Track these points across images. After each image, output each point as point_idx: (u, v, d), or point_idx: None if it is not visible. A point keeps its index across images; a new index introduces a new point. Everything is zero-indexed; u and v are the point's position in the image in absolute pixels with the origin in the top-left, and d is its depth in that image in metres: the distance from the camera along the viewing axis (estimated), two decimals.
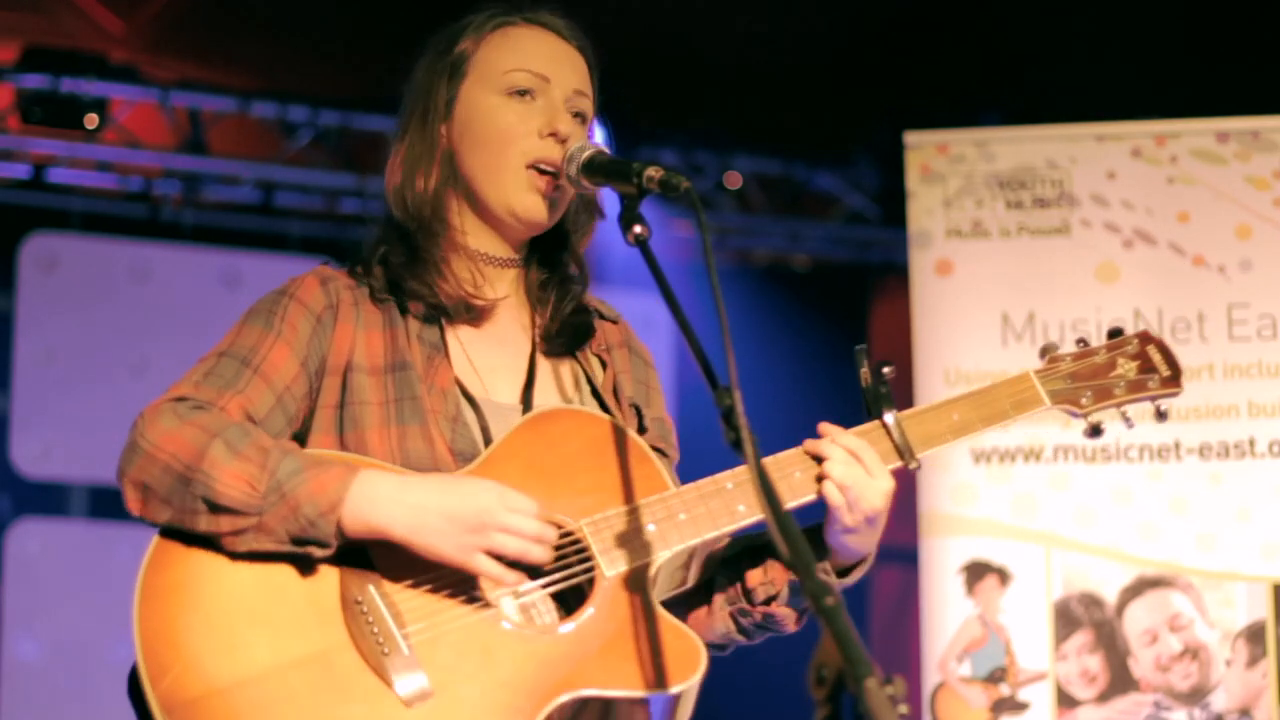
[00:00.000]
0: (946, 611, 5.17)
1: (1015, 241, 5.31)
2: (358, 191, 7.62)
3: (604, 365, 2.77)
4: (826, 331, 8.49)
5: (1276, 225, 5.20)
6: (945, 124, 5.49)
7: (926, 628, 5.20)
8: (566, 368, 2.74)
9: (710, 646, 2.68)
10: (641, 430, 2.73)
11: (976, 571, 5.17)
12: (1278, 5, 6.58)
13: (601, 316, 2.82)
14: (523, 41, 2.70)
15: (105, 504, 7.52)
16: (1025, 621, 5.13)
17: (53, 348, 7.49)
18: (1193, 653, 5.06)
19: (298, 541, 2.40)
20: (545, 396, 2.67)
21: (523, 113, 2.65)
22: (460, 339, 2.68)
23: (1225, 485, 5.11)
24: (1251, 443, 5.12)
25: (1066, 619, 5.11)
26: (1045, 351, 2.78)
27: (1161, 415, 2.79)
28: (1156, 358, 2.80)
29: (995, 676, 5.11)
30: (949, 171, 5.35)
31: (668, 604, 2.61)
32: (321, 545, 2.40)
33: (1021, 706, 5.09)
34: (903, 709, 1.85)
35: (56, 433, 7.47)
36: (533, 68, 2.67)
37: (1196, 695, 5.04)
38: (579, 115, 2.69)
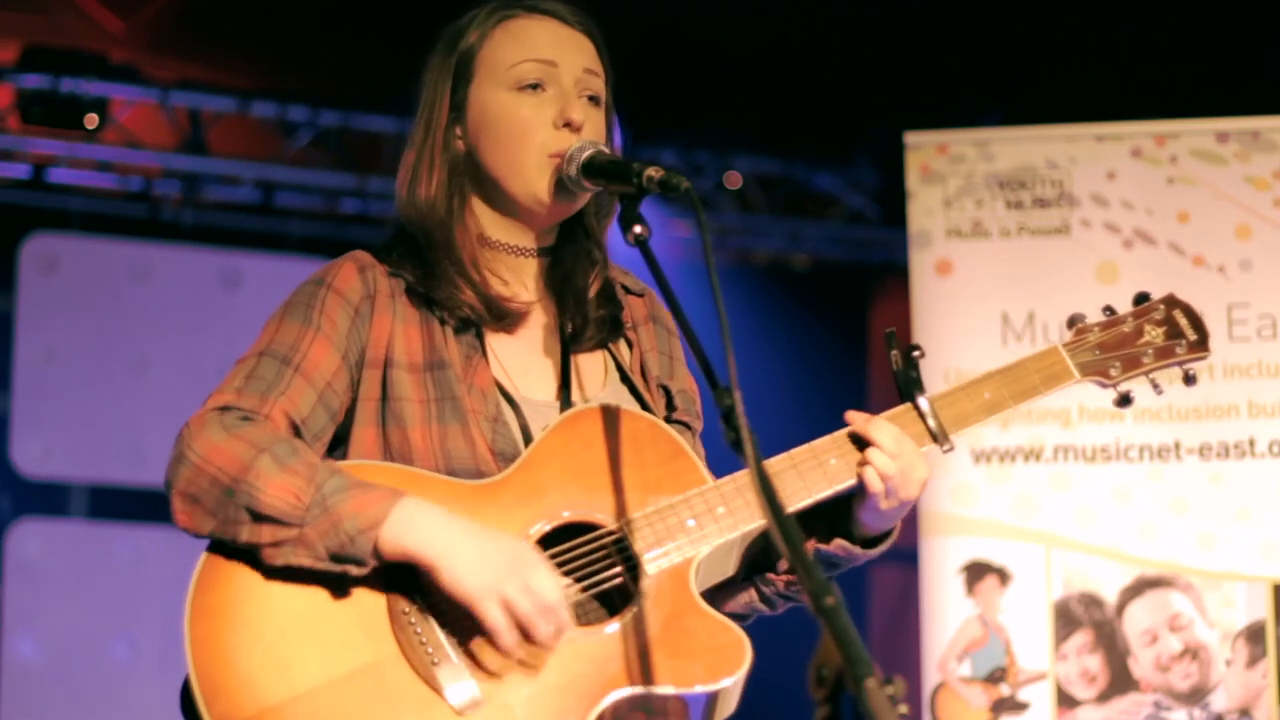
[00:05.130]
0: (946, 611, 5.17)
1: (1015, 241, 5.31)
2: (358, 191, 7.63)
3: (630, 345, 2.77)
4: (826, 331, 8.50)
5: (1276, 225, 5.20)
6: (945, 124, 5.48)
7: (926, 628, 5.20)
8: (597, 357, 2.74)
9: (732, 616, 2.71)
10: (671, 408, 2.74)
11: (976, 571, 5.17)
12: (1278, 5, 6.58)
13: (628, 291, 2.81)
14: (526, 32, 2.68)
15: (105, 504, 7.53)
16: (1025, 621, 5.13)
17: (53, 348, 7.49)
18: (1193, 653, 5.06)
19: (335, 558, 2.40)
20: (580, 391, 2.67)
21: (536, 105, 2.63)
22: (495, 338, 2.68)
23: (1225, 485, 5.11)
24: (1251, 443, 5.12)
25: (1066, 619, 5.11)
26: (1073, 322, 2.78)
27: (1190, 380, 2.79)
28: (1183, 322, 2.82)
29: (995, 676, 5.11)
30: (949, 171, 5.35)
31: (710, 592, 2.63)
32: (358, 563, 2.40)
33: (1021, 706, 5.09)
34: (903, 709, 1.85)
35: (56, 433, 7.47)
36: (538, 55, 2.65)
37: (1196, 695, 5.04)
38: (592, 97, 2.68)
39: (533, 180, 2.62)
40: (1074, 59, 6.94)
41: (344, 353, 2.59)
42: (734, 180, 7.99)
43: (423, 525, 2.40)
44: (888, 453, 2.58)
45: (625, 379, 2.73)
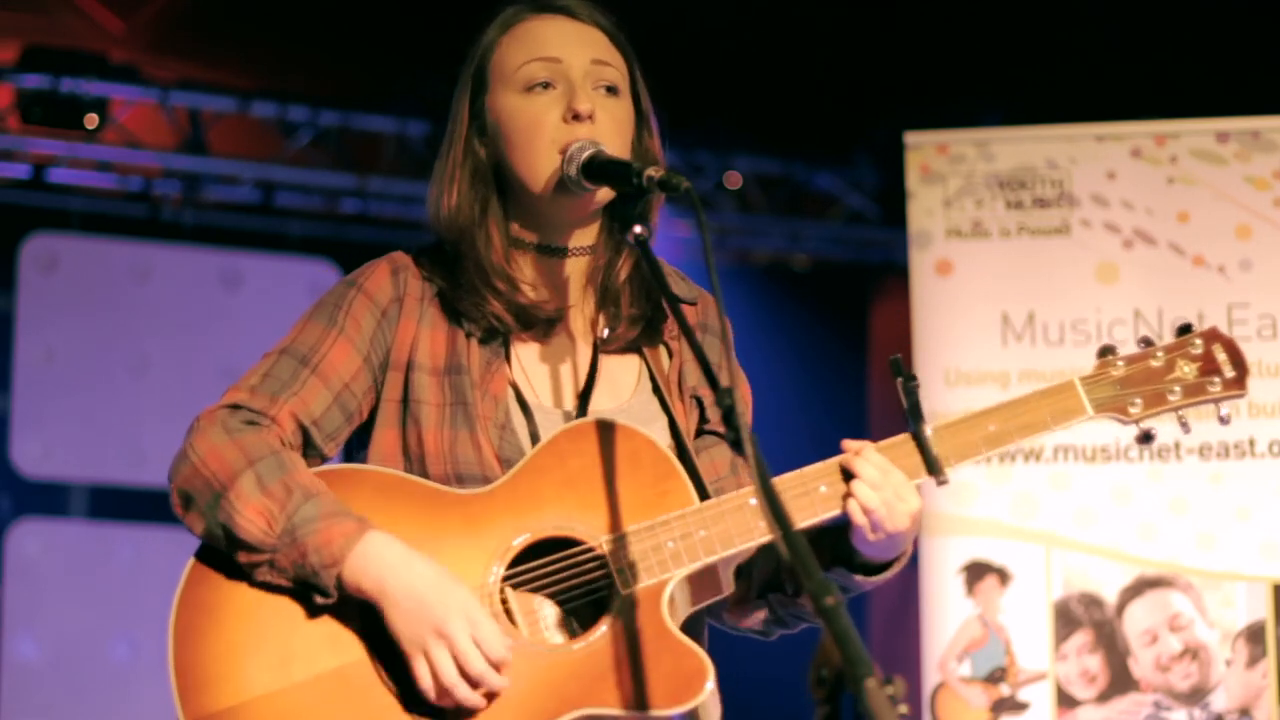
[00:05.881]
0: (946, 611, 5.17)
1: (1015, 241, 5.31)
2: (358, 191, 7.63)
3: (671, 353, 2.75)
4: (826, 331, 8.51)
5: (1276, 225, 5.20)
6: (945, 124, 5.48)
7: (926, 628, 5.19)
8: (629, 364, 2.72)
9: (753, 633, 2.74)
10: (703, 421, 2.72)
11: (976, 571, 5.17)
12: (1278, 5, 6.58)
13: (678, 299, 2.77)
14: (530, 33, 2.69)
15: (105, 504, 7.53)
16: (1025, 621, 5.12)
17: (53, 348, 7.49)
18: (1193, 653, 5.05)
19: (303, 585, 2.47)
20: (601, 402, 2.66)
21: (545, 103, 2.63)
22: (523, 343, 2.68)
23: (1225, 485, 5.10)
24: (1251, 443, 5.12)
25: (1066, 619, 5.11)
26: (1103, 353, 2.67)
27: (1224, 420, 2.67)
28: (1221, 357, 2.67)
29: (995, 676, 5.11)
30: (949, 171, 5.35)
31: (723, 609, 2.66)
32: (323, 594, 2.46)
33: (1021, 706, 5.09)
34: (903, 709, 1.85)
35: (56, 433, 7.47)
36: (543, 54, 2.65)
37: (1196, 695, 5.04)
38: (609, 87, 2.67)
39: (548, 179, 2.61)
40: (1074, 59, 6.94)
41: (366, 355, 2.62)
42: (734, 180, 7.99)
43: (377, 569, 2.43)
44: (870, 484, 2.54)
45: (657, 388, 2.71)
